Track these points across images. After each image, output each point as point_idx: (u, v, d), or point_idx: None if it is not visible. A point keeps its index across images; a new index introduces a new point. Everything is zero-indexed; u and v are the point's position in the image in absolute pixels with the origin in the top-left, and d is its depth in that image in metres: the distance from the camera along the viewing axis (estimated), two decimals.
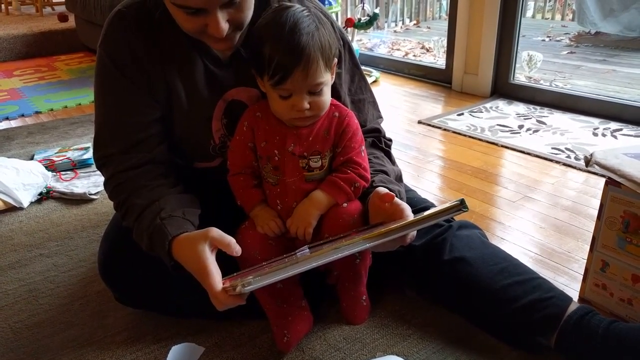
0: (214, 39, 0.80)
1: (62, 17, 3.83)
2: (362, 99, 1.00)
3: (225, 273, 0.76)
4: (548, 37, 4.00)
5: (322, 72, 0.81)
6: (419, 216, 0.75)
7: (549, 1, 4.65)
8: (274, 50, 0.79)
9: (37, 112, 2.38)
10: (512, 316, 0.84)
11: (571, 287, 1.05)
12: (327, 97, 0.85)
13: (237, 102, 0.93)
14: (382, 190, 0.84)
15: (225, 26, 0.77)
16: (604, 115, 2.05)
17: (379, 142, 0.99)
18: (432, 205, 1.02)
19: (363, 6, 2.78)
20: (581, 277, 1.00)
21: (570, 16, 4.47)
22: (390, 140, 1.03)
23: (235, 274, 0.79)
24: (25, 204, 1.49)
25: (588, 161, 0.90)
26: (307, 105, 0.82)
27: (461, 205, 0.73)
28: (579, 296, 0.99)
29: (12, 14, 4.37)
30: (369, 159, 0.92)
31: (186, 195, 0.88)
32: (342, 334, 0.94)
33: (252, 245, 0.88)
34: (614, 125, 1.97)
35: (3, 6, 4.49)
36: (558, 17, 4.62)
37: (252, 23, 0.85)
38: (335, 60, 0.86)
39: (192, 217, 0.83)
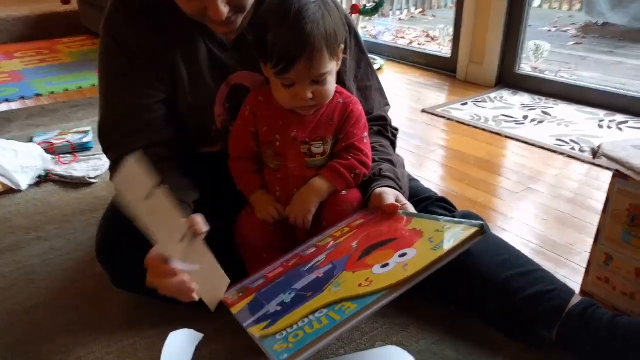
0: (215, 22, 0.79)
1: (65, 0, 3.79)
2: (368, 86, 0.98)
3: (233, 268, 0.78)
4: (554, 27, 3.95)
5: (327, 61, 0.79)
6: (439, 255, 0.66)
7: None
8: (278, 39, 0.76)
9: (38, 95, 2.36)
10: (515, 308, 0.83)
11: (572, 280, 1.04)
12: (331, 86, 0.83)
13: (240, 86, 0.91)
14: (389, 196, 0.82)
15: (224, 9, 0.75)
16: (610, 107, 2.02)
17: (385, 131, 0.98)
18: (435, 195, 1.00)
19: None
20: (582, 269, 0.99)
21: (578, 6, 4.41)
22: (397, 129, 1.01)
23: (240, 286, 0.79)
24: (24, 186, 1.48)
25: (596, 153, 0.88)
26: (310, 95, 0.80)
27: (482, 230, 0.67)
28: (581, 289, 0.98)
29: None
30: (374, 147, 0.90)
31: (185, 179, 0.87)
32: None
33: (252, 231, 0.87)
34: (619, 117, 1.94)
35: None
36: (565, 7, 4.56)
37: (257, 5, 0.82)
38: (342, 47, 0.83)
39: (188, 199, 0.82)
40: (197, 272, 0.72)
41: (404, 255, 0.69)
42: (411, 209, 0.82)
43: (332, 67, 0.81)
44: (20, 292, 1.06)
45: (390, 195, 0.82)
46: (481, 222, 0.67)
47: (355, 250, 0.75)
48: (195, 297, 0.70)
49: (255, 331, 0.65)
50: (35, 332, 0.94)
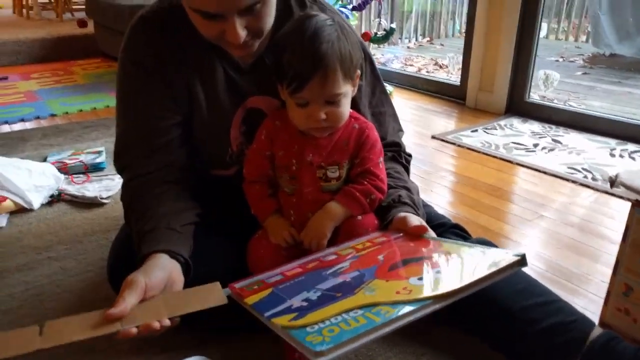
0: (232, 46, 0.80)
1: (82, 23, 3.88)
2: (382, 111, 0.99)
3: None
4: (562, 57, 3.99)
5: (341, 82, 0.80)
6: (482, 275, 0.66)
7: (563, 23, 4.64)
8: (292, 58, 0.78)
9: (52, 115, 2.40)
10: (532, 339, 0.81)
11: (588, 310, 1.02)
12: (345, 108, 0.83)
13: (256, 110, 0.92)
14: (414, 219, 0.82)
15: (242, 33, 0.77)
16: (621, 136, 2.02)
17: (399, 157, 0.98)
18: (449, 221, 0.99)
19: (380, 21, 2.79)
20: (598, 299, 0.97)
21: (584, 38, 4.45)
22: (410, 155, 1.02)
23: (254, 279, 0.74)
24: (36, 205, 1.49)
25: (613, 182, 0.87)
26: (323, 116, 0.80)
27: (523, 260, 0.67)
28: (600, 320, 0.96)
29: (33, 18, 4.44)
30: (389, 173, 0.90)
31: (183, 202, 0.86)
32: (353, 351, 0.91)
33: (264, 255, 0.86)
34: (631, 146, 1.94)
35: (24, 11, 4.56)
36: (571, 38, 4.61)
37: (274, 31, 0.84)
38: (358, 72, 0.84)
39: (175, 224, 0.81)
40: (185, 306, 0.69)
41: (439, 272, 0.68)
42: (434, 235, 0.81)
43: (346, 90, 0.82)
44: (29, 313, 1.05)
45: (415, 219, 0.82)
46: (523, 253, 0.67)
47: (383, 262, 0.73)
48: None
49: (282, 322, 0.60)
50: (43, 355, 0.93)
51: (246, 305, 0.67)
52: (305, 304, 0.64)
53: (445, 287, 0.63)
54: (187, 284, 0.76)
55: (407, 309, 0.59)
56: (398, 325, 0.58)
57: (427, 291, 0.63)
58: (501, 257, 0.69)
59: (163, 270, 0.72)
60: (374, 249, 0.78)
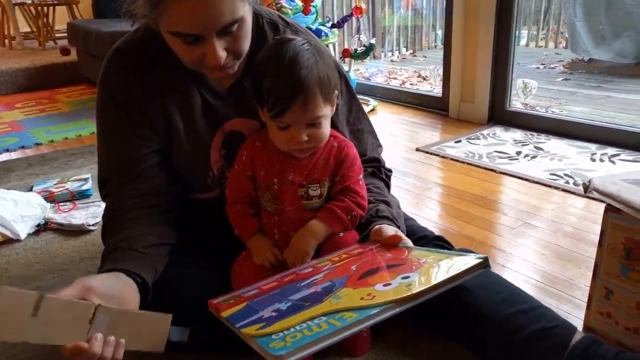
0: (213, 69, 0.81)
1: (65, 51, 3.89)
2: (360, 129, 1.01)
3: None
4: (542, 64, 4.07)
5: (321, 105, 0.81)
6: (443, 278, 0.70)
7: (542, 30, 4.74)
8: (273, 84, 0.79)
9: (38, 144, 2.39)
10: (516, 346, 0.82)
11: (575, 315, 1.03)
12: (326, 129, 0.85)
13: (236, 132, 0.93)
14: (389, 229, 0.84)
15: (222, 54, 0.78)
16: (601, 140, 2.06)
17: (379, 172, 1.00)
18: (431, 234, 1.01)
19: (359, 37, 2.83)
20: (585, 304, 0.99)
21: (564, 44, 4.55)
22: (390, 170, 1.03)
23: (231, 295, 0.77)
24: (23, 235, 1.48)
25: (587, 188, 0.90)
26: (305, 138, 0.82)
27: (486, 263, 0.73)
28: (584, 324, 0.97)
29: (15, 48, 4.44)
30: (369, 189, 0.92)
31: (158, 228, 0.87)
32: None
33: (248, 276, 0.87)
34: (611, 150, 1.98)
35: (6, 41, 4.57)
36: (551, 44, 4.70)
37: (249, 54, 0.86)
38: (336, 92, 0.86)
39: (138, 245, 0.82)
40: (128, 334, 0.70)
41: (407, 277, 0.71)
42: (410, 244, 0.83)
43: (326, 111, 0.84)
44: (18, 343, 1.04)
45: (390, 229, 0.83)
46: (485, 255, 0.71)
47: (355, 272, 0.76)
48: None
49: (250, 331, 0.64)
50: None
51: (221, 317, 0.71)
52: (274, 314, 0.67)
53: (410, 290, 0.67)
54: (164, 306, 0.75)
55: (367, 312, 0.63)
56: (357, 329, 0.62)
57: (390, 296, 0.66)
58: (465, 260, 0.73)
59: (114, 284, 0.73)
60: (350, 260, 0.80)
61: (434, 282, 0.68)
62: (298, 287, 0.74)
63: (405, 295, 0.65)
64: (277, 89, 0.79)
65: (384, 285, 0.70)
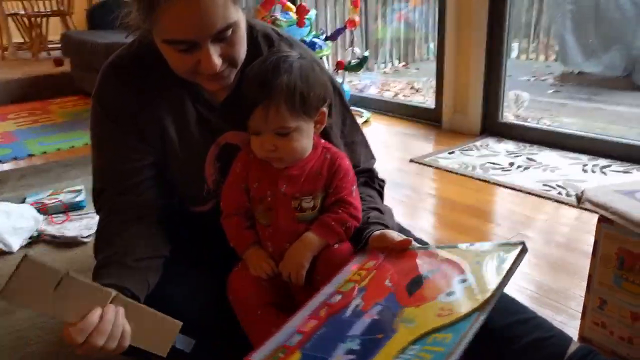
0: (208, 77, 0.81)
1: (58, 62, 3.90)
2: (354, 141, 1.02)
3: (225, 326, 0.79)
4: (533, 76, 4.12)
5: (287, 117, 0.80)
6: (503, 273, 0.65)
7: (532, 42, 4.80)
8: (246, 83, 0.82)
9: (30, 155, 2.38)
10: (513, 356, 0.82)
11: (570, 325, 1.04)
12: (298, 143, 0.83)
13: (230, 145, 0.93)
14: (393, 234, 0.83)
15: (218, 61, 0.78)
16: (592, 152, 2.08)
17: (372, 182, 1.00)
18: (426, 244, 1.01)
19: (353, 49, 2.86)
20: (579, 314, 0.99)
21: (554, 57, 4.61)
22: (384, 181, 1.04)
23: (271, 347, 0.68)
24: (15, 248, 1.47)
25: (580, 198, 0.91)
26: (271, 147, 0.82)
27: (525, 247, 0.67)
28: (579, 335, 0.98)
29: (8, 58, 4.44)
30: (362, 198, 0.92)
31: (149, 240, 0.87)
32: None
33: (245, 287, 0.86)
34: (602, 161, 2.00)
35: (0, 51, 4.56)
36: (542, 57, 4.76)
37: (243, 67, 0.86)
38: (324, 110, 0.86)
39: (127, 259, 0.82)
40: (137, 329, 0.72)
41: (464, 281, 0.66)
42: (418, 245, 0.82)
43: (298, 125, 0.82)
44: (11, 356, 1.03)
45: (394, 234, 0.83)
46: (522, 240, 0.67)
47: (395, 287, 0.70)
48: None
49: None
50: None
51: None
52: (352, 356, 0.60)
53: (481, 294, 0.62)
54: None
55: (460, 328, 0.57)
56: (462, 349, 0.55)
57: (466, 304, 0.61)
58: (503, 248, 0.68)
59: None
60: (374, 276, 0.76)
61: (500, 276, 0.62)
62: (346, 319, 0.67)
63: (483, 300, 0.60)
64: (246, 89, 0.81)
65: (447, 294, 0.64)
